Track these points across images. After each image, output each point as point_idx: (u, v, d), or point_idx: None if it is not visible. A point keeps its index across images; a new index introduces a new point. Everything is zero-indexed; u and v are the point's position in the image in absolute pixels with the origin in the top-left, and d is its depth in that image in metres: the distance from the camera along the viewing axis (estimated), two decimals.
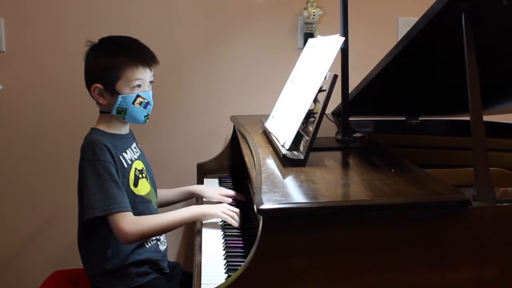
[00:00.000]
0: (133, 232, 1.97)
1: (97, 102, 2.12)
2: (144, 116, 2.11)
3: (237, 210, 2.09)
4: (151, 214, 2.15)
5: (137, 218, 2.01)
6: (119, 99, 2.06)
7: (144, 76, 2.08)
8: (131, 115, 2.09)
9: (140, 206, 2.12)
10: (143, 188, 2.15)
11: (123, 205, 1.98)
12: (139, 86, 2.07)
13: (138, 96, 2.07)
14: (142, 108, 2.09)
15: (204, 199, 2.39)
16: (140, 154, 2.22)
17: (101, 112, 2.15)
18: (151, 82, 2.13)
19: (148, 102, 2.10)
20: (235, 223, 2.04)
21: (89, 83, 2.10)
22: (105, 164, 2.00)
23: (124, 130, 2.19)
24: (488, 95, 1.69)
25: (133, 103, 2.07)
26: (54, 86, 2.93)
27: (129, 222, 1.98)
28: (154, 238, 2.14)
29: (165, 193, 2.42)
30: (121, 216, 1.97)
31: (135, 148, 2.21)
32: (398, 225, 1.45)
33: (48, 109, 2.94)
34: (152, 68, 2.11)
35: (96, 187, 1.98)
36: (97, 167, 2.00)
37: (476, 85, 1.60)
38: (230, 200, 2.33)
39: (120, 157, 2.08)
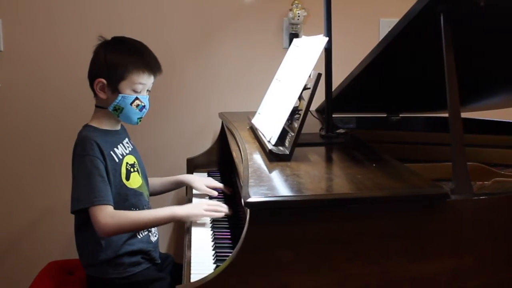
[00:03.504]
0: (109, 224, 1.94)
1: (96, 97, 2.09)
2: (138, 118, 2.10)
3: (218, 203, 2.09)
4: (142, 205, 2.14)
5: (115, 211, 1.98)
6: (119, 97, 2.04)
7: (147, 82, 2.07)
8: (126, 115, 2.07)
9: (132, 198, 2.10)
10: (135, 181, 2.14)
11: (105, 199, 1.96)
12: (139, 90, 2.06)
13: (137, 98, 2.05)
14: (138, 110, 2.07)
15: (192, 191, 2.38)
16: (132, 149, 2.20)
17: (96, 106, 2.12)
18: (148, 90, 2.11)
19: (144, 106, 2.09)
20: (221, 214, 2.03)
21: (93, 77, 2.07)
22: (92, 159, 1.98)
23: (117, 126, 2.17)
24: (466, 93, 1.68)
25: (131, 104, 2.05)
26: (50, 84, 2.90)
27: (106, 214, 1.94)
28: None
29: (155, 182, 2.39)
30: (100, 208, 1.94)
31: (127, 143, 2.19)
32: (379, 217, 1.44)
33: (45, 106, 2.91)
34: (155, 77, 2.10)
35: (83, 180, 1.97)
36: (85, 161, 1.98)
37: (454, 83, 1.60)
38: (216, 193, 2.33)
39: (111, 152, 2.06)
